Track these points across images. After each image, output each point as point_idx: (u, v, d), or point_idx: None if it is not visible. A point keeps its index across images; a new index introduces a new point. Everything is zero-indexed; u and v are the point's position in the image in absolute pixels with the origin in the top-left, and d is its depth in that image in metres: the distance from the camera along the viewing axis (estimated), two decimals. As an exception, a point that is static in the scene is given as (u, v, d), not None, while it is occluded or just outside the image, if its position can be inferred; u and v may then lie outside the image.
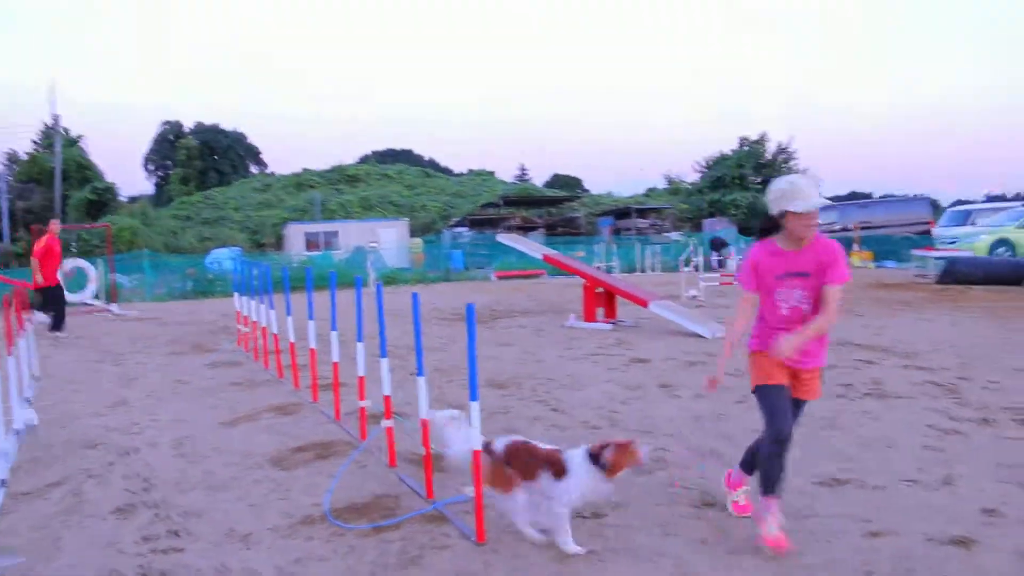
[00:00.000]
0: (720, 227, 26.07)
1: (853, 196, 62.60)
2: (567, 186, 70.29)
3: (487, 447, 3.90)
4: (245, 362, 9.70)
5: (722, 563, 3.59)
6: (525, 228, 42.16)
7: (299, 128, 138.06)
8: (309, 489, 4.79)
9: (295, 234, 39.85)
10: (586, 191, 67.68)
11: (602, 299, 11.72)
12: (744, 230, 35.59)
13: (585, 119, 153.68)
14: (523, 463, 3.80)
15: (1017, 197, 32.73)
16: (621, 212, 47.72)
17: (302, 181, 59.27)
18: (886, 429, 5.70)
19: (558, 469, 3.72)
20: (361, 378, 5.74)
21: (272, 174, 66.59)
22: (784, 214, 3.65)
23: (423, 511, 4.27)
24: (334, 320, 6.17)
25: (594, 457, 3.67)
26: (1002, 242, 22.34)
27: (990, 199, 33.36)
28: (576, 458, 3.72)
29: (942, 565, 3.51)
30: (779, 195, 3.66)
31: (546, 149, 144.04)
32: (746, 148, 51.82)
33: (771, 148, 52.22)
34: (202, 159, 63.80)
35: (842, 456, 5.07)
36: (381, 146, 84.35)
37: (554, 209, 52.97)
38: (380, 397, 5.15)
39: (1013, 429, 5.65)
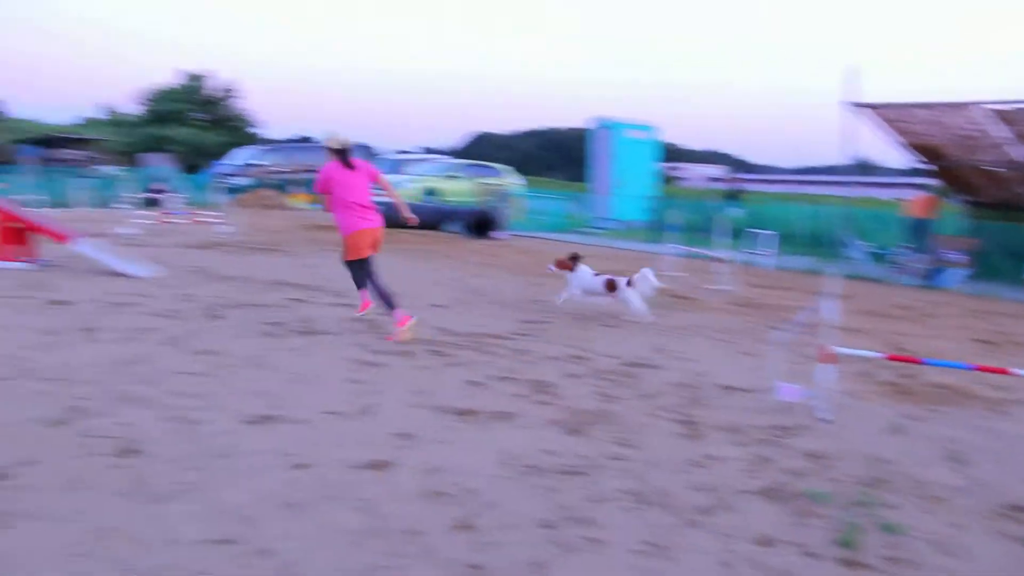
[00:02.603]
0: (159, 163, 24.21)
1: (302, 140, 64.20)
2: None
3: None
4: None
5: (142, 512, 3.36)
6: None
7: None
8: None
9: None
10: (8, 115, 58.26)
11: (18, 235, 10.20)
12: (190, 168, 34.02)
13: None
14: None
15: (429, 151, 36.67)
16: (50, 140, 42.08)
17: None
18: (313, 365, 5.94)
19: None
20: None
21: None
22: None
23: None
24: None
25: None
26: (429, 190, 25.05)
27: (420, 151, 36.90)
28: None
29: (360, 488, 3.76)
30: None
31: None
32: (189, 84, 49.74)
33: (215, 85, 51.01)
34: None
35: (269, 394, 5.13)
36: None
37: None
38: None
39: (426, 359, 6.33)
